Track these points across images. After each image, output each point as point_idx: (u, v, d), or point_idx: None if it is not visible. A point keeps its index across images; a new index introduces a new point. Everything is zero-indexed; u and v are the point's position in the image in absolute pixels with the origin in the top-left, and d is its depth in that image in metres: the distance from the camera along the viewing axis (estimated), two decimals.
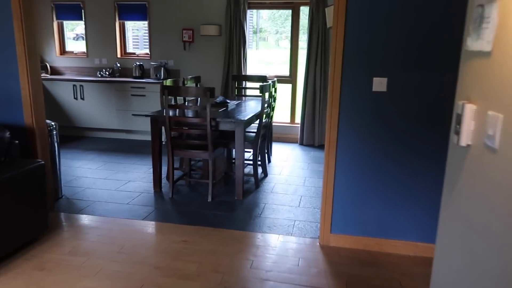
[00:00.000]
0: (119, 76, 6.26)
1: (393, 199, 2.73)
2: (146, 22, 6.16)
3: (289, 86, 5.99)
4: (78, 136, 6.16)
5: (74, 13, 6.32)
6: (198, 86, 5.07)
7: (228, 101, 4.37)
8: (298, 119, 6.02)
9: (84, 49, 6.44)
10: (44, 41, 6.51)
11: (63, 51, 6.63)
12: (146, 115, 3.74)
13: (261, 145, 4.13)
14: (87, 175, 4.36)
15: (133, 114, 5.82)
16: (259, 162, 4.37)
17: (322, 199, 2.82)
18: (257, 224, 3.20)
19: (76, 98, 5.98)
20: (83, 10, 6.25)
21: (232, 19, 5.65)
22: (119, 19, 6.24)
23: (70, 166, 4.66)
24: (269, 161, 4.93)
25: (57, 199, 3.65)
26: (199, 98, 4.69)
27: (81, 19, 6.32)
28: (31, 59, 3.10)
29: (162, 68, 5.99)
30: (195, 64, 6.07)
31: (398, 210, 2.74)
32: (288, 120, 6.14)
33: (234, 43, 5.70)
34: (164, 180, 4.14)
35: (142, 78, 6.06)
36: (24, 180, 2.70)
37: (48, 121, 3.56)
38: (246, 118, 3.57)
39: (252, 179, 4.19)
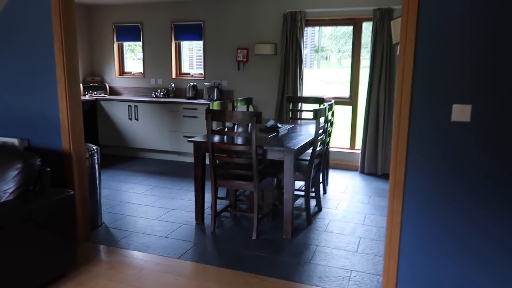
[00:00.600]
0: (173, 97, 6.17)
1: (478, 256, 2.15)
2: (201, 42, 6.03)
3: (349, 108, 5.49)
4: (131, 157, 6.11)
5: (133, 34, 6.37)
6: (250, 108, 4.76)
7: (280, 125, 3.99)
8: (358, 144, 5.48)
9: (141, 69, 6.46)
10: (104, 62, 6.63)
11: (122, 72, 6.71)
12: (189, 140, 3.48)
13: (314, 175, 3.68)
14: (132, 200, 4.18)
15: (184, 136, 5.65)
16: (312, 194, 3.91)
17: (385, 252, 2.31)
18: (306, 272, 2.74)
19: (130, 119, 5.95)
20: (141, 31, 6.28)
21: (288, 36, 5.31)
22: (175, 39, 6.17)
23: (117, 189, 4.53)
24: (325, 192, 4.45)
25: (96, 227, 3.46)
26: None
27: (139, 40, 6.35)
28: (71, 82, 2.95)
29: (216, 89, 5.79)
30: (249, 84, 5.79)
31: (486, 272, 2.15)
32: (348, 146, 5.61)
33: (290, 62, 5.35)
34: (208, 210, 3.82)
35: (196, 99, 5.90)
36: (51, 211, 2.49)
37: (90, 144, 3.41)
38: (296, 147, 3.16)
39: (304, 213, 3.74)
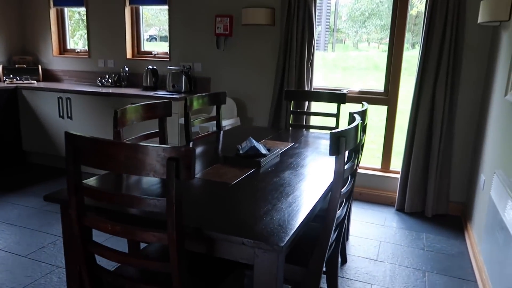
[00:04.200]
0: (126, 86, 4.33)
1: None
2: (166, 7, 4.15)
3: (382, 109, 3.59)
4: (64, 170, 4.32)
5: None
6: (224, 111, 2.90)
7: (264, 149, 2.10)
8: (396, 165, 3.61)
9: (86, 46, 4.62)
10: (39, 36, 4.79)
11: (62, 49, 4.87)
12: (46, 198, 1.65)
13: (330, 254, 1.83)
14: None
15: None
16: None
17: None
18: None
19: (62, 116, 4.13)
20: None
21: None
22: (130, 2, 4.30)
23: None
24: (343, 261, 2.60)
25: None
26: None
27: (82, 4, 4.49)
28: None
29: (184, 76, 3.93)
30: (233, 70, 3.92)
31: None
32: (378, 166, 3.72)
33: (295, 37, 3.46)
34: None
35: (156, 90, 4.06)
36: None
37: None
38: (290, 234, 1.28)
39: None
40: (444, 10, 3.00)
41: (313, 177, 1.82)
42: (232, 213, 1.38)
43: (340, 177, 1.51)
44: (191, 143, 2.40)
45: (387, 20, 3.44)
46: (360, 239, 2.87)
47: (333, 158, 2.17)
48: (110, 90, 3.97)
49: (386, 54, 3.49)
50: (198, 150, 2.27)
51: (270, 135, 2.68)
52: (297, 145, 2.44)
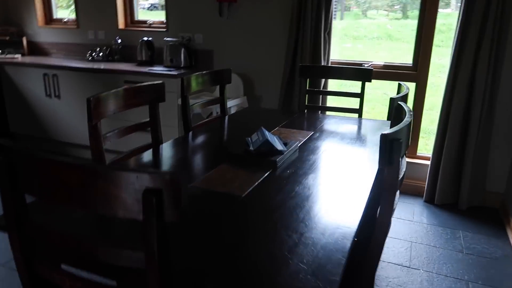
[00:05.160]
0: (118, 60, 3.88)
1: None
2: None
3: (411, 86, 3.12)
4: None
5: None
6: (229, 90, 2.48)
7: (281, 145, 1.68)
8: (426, 150, 3.19)
9: (74, 15, 4.13)
10: (22, 4, 4.30)
11: (49, 19, 4.39)
12: None
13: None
14: None
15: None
16: None
17: None
18: None
19: (49, 95, 3.71)
20: None
21: None
22: None
23: None
24: None
25: None
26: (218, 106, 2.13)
27: None
28: None
29: (183, 49, 3.47)
30: (238, 41, 3.45)
31: None
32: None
33: (310, 1, 2.97)
34: None
35: (152, 65, 3.61)
36: None
37: None
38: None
39: None
40: None
41: (345, 182, 1.41)
42: (242, 251, 0.98)
43: (392, 192, 1.10)
44: (190, 134, 1.98)
45: None
46: (388, 238, 2.49)
47: (367, 151, 1.76)
48: (102, 66, 3.53)
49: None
50: (198, 142, 1.86)
51: (283, 121, 2.25)
52: (317, 134, 2.02)
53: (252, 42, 3.40)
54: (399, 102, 1.35)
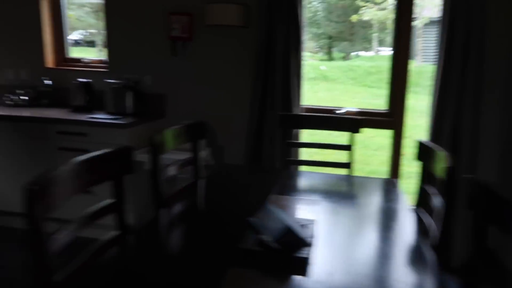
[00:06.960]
0: (47, 105, 3.25)
1: None
2: (100, 1, 3.16)
3: (385, 134, 2.92)
4: None
5: None
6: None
7: (301, 230, 1.28)
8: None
9: None
10: None
11: None
12: None
13: None
14: None
15: None
16: None
17: None
18: None
19: None
20: None
21: None
22: None
23: None
24: None
25: None
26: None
27: None
28: None
29: (129, 93, 2.97)
30: (193, 84, 3.04)
31: None
32: None
33: (278, 42, 2.67)
34: None
35: (91, 111, 3.04)
36: None
37: None
38: None
39: None
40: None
41: (388, 275, 1.05)
42: None
43: None
44: (164, 214, 1.50)
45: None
46: None
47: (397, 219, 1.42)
48: (28, 113, 2.89)
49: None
50: (182, 227, 1.40)
51: (272, 185, 1.86)
52: (319, 199, 1.65)
53: (210, 84, 3.01)
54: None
